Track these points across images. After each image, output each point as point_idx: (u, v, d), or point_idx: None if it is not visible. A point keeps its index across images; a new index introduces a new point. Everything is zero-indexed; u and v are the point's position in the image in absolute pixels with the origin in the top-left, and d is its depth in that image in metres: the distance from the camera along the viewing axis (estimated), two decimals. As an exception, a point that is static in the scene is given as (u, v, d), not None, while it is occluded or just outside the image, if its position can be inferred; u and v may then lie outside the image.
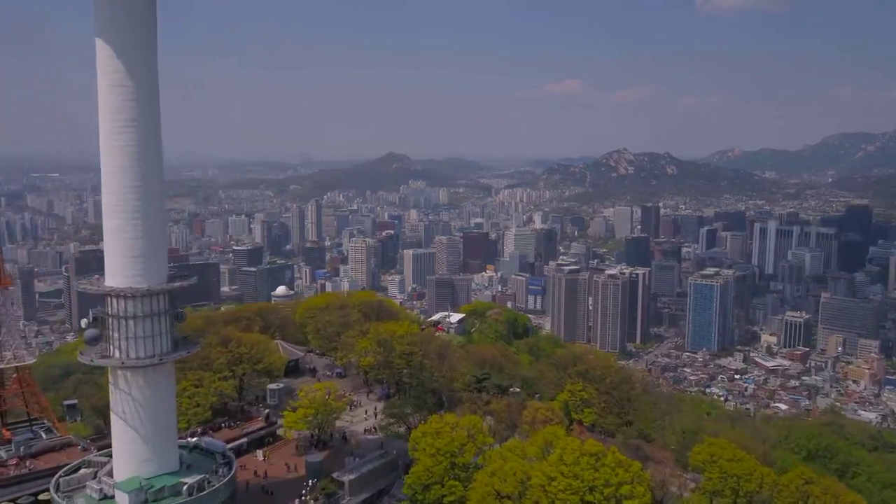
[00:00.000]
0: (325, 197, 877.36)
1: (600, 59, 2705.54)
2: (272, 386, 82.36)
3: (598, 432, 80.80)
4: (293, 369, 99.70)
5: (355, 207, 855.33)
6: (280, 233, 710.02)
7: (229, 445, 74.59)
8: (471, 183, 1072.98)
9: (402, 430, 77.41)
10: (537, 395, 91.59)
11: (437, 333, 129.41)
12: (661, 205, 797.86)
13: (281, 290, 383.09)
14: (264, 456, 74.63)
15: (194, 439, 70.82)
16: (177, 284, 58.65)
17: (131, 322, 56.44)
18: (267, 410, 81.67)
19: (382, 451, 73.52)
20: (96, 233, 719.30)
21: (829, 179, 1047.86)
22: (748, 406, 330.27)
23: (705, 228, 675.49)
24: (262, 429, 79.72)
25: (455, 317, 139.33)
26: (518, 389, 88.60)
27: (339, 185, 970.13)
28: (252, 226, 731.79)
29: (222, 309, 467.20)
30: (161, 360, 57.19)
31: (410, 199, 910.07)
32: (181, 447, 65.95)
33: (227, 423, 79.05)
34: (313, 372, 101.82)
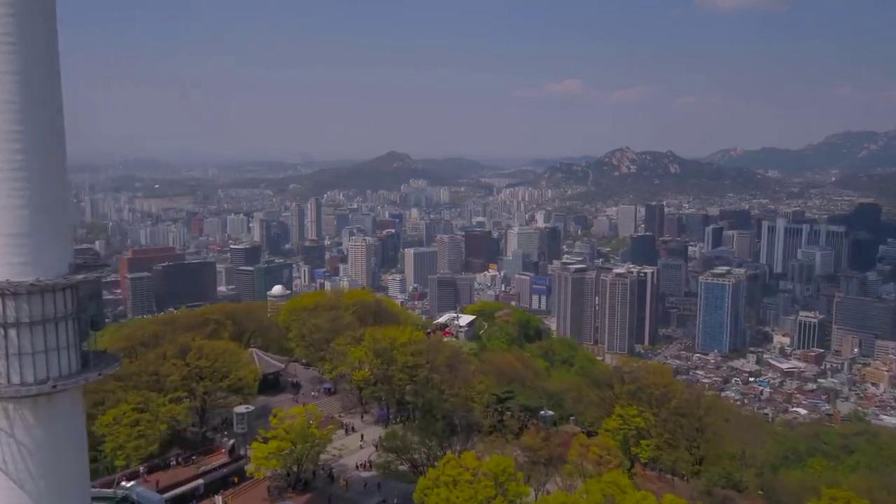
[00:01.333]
0: (324, 196, 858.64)
1: (599, 59, 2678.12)
2: (240, 409, 64.19)
3: (655, 470, 62.57)
4: (272, 384, 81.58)
5: (355, 206, 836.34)
6: (279, 232, 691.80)
7: (181, 489, 56.66)
8: (472, 182, 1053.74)
9: (406, 466, 59.37)
10: (572, 418, 73.35)
11: (444, 338, 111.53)
12: (664, 203, 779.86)
13: (277, 289, 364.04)
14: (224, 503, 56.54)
15: (129, 484, 52.81)
16: (81, 277, 40.16)
17: (13, 331, 38.10)
18: (232, 441, 63.52)
19: (380, 498, 55.51)
20: (91, 231, 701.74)
21: (833, 178, 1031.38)
22: (766, 411, 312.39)
23: (711, 227, 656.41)
24: (224, 465, 61.59)
25: (464, 319, 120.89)
26: (550, 412, 70.28)
27: (339, 184, 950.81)
28: (251, 225, 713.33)
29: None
30: (56, 385, 38.86)
31: (411, 198, 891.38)
32: (105, 500, 47.97)
33: (178, 459, 60.88)
34: (296, 387, 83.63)
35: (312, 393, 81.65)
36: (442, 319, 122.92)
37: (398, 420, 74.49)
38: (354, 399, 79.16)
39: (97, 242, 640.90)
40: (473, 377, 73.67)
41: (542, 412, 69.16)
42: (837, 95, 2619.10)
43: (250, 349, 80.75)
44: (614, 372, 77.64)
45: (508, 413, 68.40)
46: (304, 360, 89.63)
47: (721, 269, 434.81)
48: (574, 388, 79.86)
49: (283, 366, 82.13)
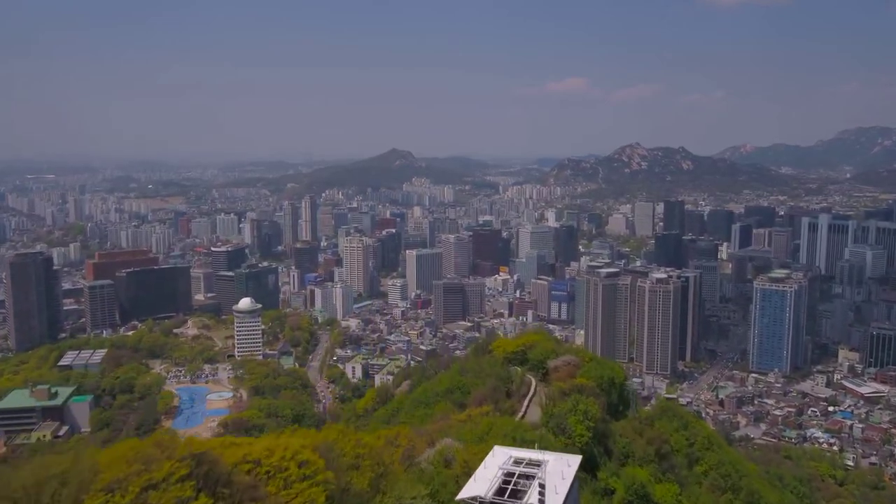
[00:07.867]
0: (323, 195, 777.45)
1: (603, 57, 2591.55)
2: None
3: None
4: None
5: (355, 205, 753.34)
6: (271, 232, 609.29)
7: None
8: (476, 181, 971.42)
9: None
10: None
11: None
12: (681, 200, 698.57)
13: (244, 303, 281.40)
14: None
15: None
16: None
17: None
18: None
19: None
20: (69, 234, 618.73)
21: (848, 174, 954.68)
22: (874, 459, 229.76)
23: (738, 225, 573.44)
24: None
25: (552, 472, 37.31)
26: None
27: (338, 183, 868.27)
28: (241, 225, 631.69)
29: (189, 322, 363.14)
30: None
31: (414, 196, 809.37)
32: None
33: None
34: None
35: None
36: (475, 491, 37.03)
37: None
38: None
39: (72, 245, 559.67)
40: None
41: None
42: (844, 92, 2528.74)
43: None
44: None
45: None
46: None
47: (780, 273, 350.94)
48: None
49: None
